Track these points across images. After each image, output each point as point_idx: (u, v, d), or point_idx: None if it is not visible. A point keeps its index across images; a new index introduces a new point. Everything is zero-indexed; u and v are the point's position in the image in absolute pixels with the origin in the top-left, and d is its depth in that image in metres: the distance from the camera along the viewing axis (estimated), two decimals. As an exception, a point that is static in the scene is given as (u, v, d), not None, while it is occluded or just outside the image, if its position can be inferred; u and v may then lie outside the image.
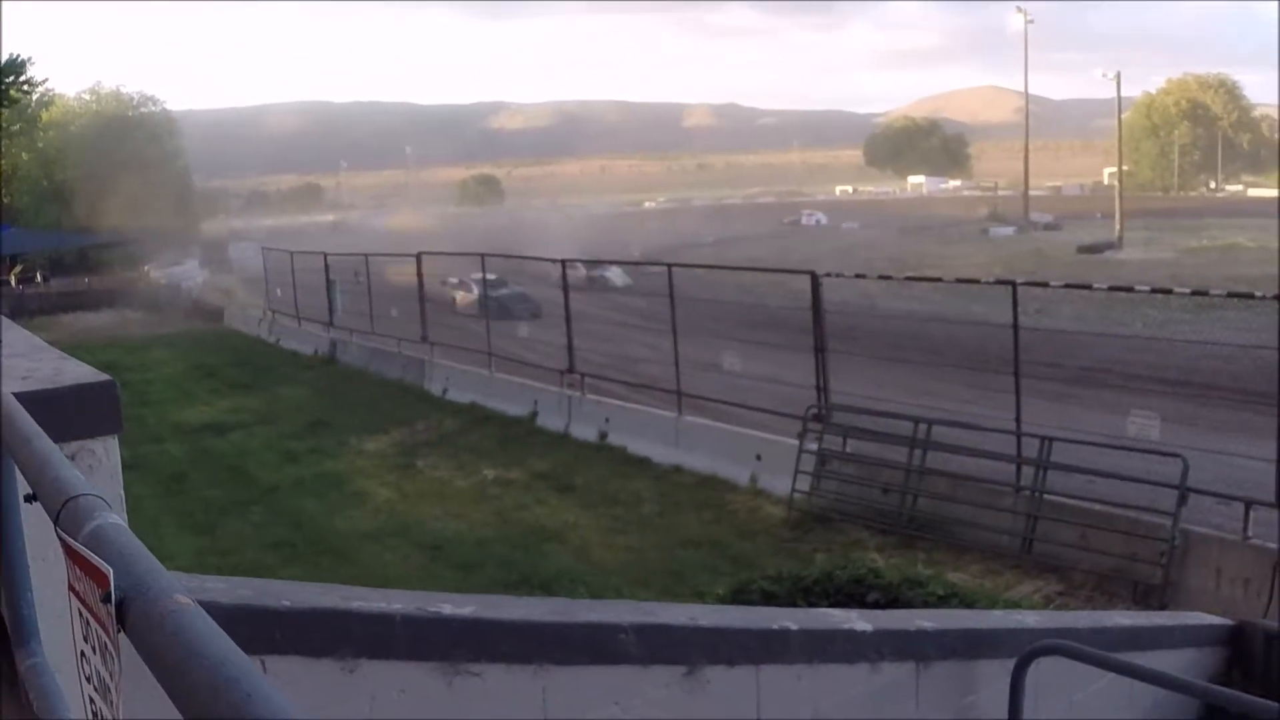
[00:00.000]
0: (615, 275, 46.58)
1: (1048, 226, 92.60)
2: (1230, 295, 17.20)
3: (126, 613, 1.26)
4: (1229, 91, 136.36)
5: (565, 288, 24.47)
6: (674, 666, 3.78)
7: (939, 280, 22.46)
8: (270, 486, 20.22)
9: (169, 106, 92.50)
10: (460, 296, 39.85)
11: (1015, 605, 11.44)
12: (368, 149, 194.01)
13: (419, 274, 29.96)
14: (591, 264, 42.89)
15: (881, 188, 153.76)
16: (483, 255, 28.21)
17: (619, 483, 19.03)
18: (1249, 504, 13.14)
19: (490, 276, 33.75)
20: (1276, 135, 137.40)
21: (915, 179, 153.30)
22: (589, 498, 18.38)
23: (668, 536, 16.28)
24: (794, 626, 4.30)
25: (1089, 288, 20.10)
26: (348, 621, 3.07)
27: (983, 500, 15.37)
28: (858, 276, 22.08)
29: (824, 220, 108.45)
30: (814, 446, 17.30)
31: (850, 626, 4.57)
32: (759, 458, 18.26)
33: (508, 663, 3.34)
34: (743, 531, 16.33)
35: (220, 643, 1.14)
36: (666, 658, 3.78)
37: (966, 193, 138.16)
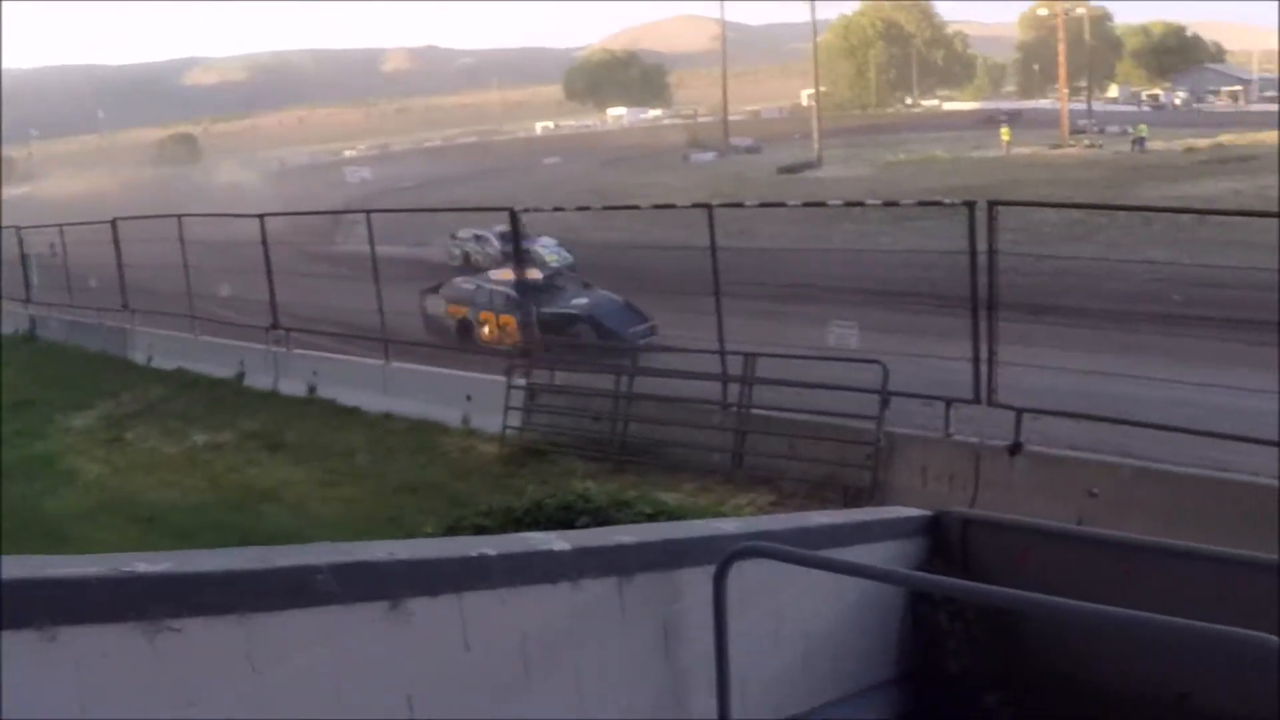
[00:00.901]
0: (548, 247, 31.05)
1: (748, 150, 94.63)
2: (921, 204, 17.87)
3: None
4: (922, 11, 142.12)
5: (265, 242, 23.66)
6: (377, 602, 3.72)
7: (636, 208, 22.66)
8: (-25, 475, 19.28)
9: None
10: (484, 330, 24.17)
11: (722, 515, 11.62)
12: (58, 116, 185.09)
13: (115, 241, 28.63)
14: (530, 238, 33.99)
15: (583, 122, 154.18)
16: (179, 216, 27.05)
17: (331, 435, 18.86)
18: (949, 402, 13.68)
19: (534, 274, 22.81)
20: (969, 50, 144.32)
21: (615, 111, 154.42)
22: (301, 453, 18.17)
23: (383, 484, 16.24)
24: (493, 552, 4.26)
25: (784, 205, 20.69)
26: (42, 589, 2.88)
27: (692, 420, 15.64)
28: (556, 210, 22.18)
29: (369, 176, 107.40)
30: (523, 382, 17.30)
31: (549, 547, 4.56)
32: (469, 398, 18.22)
33: (209, 615, 3.21)
34: (458, 472, 16.38)
35: None
36: (368, 594, 3.71)
37: (667, 122, 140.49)
